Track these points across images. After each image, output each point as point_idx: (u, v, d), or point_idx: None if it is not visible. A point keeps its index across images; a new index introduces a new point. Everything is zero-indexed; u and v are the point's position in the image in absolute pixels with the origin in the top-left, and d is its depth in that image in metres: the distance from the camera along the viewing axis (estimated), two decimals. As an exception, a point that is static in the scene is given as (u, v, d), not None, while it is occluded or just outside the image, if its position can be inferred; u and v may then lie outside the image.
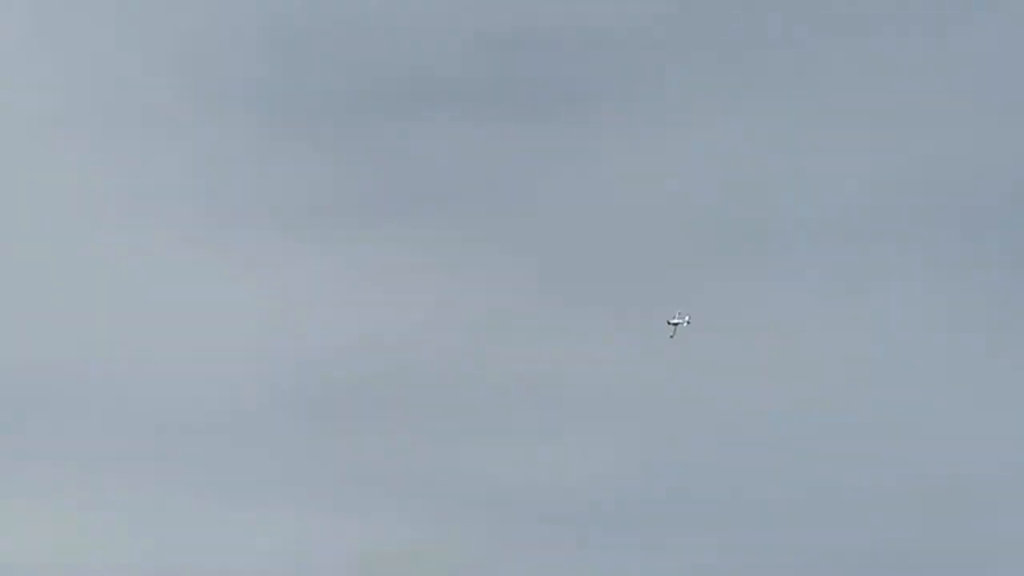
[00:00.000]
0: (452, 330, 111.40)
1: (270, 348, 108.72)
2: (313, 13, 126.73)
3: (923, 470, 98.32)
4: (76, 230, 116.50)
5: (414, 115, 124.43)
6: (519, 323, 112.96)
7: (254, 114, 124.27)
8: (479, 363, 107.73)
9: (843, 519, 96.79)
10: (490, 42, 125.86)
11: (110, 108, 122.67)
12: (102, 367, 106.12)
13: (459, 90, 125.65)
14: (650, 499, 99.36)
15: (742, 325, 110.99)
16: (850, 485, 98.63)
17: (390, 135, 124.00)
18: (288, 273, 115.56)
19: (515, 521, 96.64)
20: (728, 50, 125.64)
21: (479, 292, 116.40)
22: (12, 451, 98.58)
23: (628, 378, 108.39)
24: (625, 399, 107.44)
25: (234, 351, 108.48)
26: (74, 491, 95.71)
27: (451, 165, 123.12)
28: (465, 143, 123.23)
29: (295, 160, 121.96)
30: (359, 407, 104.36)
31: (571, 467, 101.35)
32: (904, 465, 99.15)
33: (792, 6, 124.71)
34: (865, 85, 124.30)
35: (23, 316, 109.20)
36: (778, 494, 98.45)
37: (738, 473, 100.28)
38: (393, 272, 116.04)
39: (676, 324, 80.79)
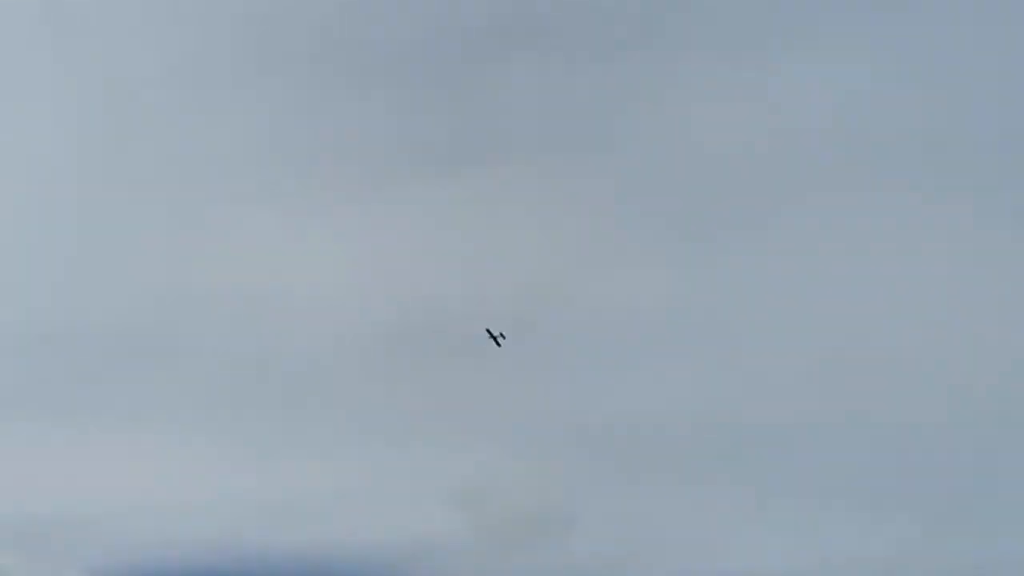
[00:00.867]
0: (539, 267, 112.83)
1: (369, 291, 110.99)
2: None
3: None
4: (178, 186, 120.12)
5: (494, 58, 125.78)
6: (604, 258, 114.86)
7: (334, 64, 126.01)
8: (566, 299, 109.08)
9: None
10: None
11: (204, 67, 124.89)
12: (211, 312, 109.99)
13: (538, 30, 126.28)
14: (738, 425, 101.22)
15: (822, 248, 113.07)
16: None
17: (471, 80, 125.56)
18: (380, 218, 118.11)
19: (604, 451, 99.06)
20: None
21: (565, 228, 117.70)
22: (135, 385, 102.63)
23: (707, 308, 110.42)
24: (704, 328, 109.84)
25: (338, 294, 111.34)
26: (191, 428, 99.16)
27: (534, 107, 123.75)
28: (547, 84, 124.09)
29: (385, 108, 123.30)
30: (454, 345, 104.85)
31: (658, 397, 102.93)
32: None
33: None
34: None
35: (153, 263, 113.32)
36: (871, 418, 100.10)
37: (831, 397, 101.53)
38: (479, 214, 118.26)
39: (494, 337, 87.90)
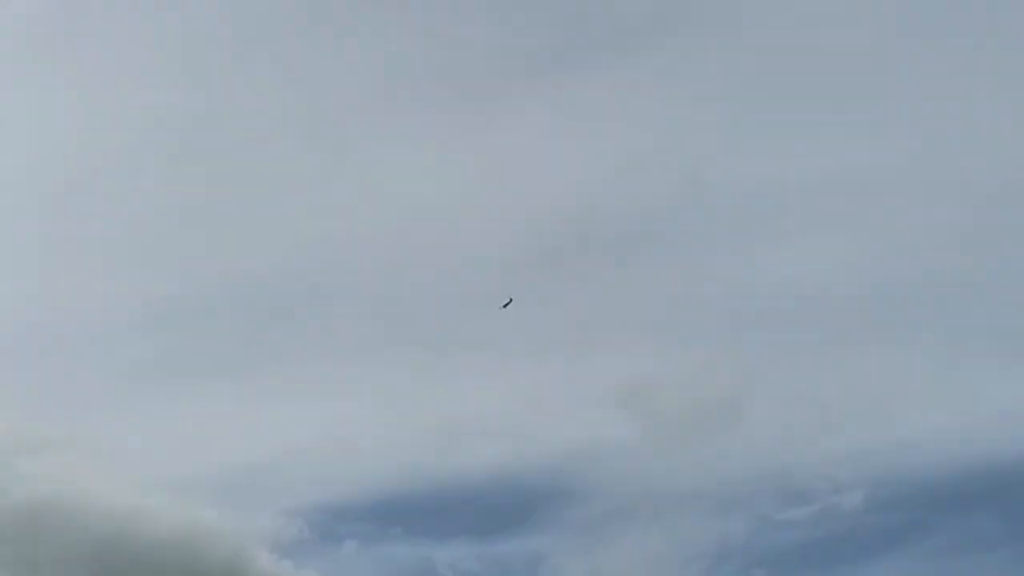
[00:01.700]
0: (674, 157, 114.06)
1: (512, 204, 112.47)
2: None
3: None
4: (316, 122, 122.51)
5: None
6: (739, 142, 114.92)
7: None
8: (699, 188, 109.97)
9: None
10: None
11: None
12: (359, 253, 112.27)
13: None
14: (894, 294, 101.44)
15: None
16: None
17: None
18: (508, 131, 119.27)
19: (766, 332, 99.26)
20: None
21: (694, 119, 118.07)
22: (296, 334, 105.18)
23: (847, 179, 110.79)
24: (856, 195, 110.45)
25: (480, 213, 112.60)
26: (354, 368, 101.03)
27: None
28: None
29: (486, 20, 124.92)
30: (602, 246, 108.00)
31: (818, 269, 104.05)
32: None
33: None
34: None
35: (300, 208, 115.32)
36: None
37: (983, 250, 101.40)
38: (609, 111, 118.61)
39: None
